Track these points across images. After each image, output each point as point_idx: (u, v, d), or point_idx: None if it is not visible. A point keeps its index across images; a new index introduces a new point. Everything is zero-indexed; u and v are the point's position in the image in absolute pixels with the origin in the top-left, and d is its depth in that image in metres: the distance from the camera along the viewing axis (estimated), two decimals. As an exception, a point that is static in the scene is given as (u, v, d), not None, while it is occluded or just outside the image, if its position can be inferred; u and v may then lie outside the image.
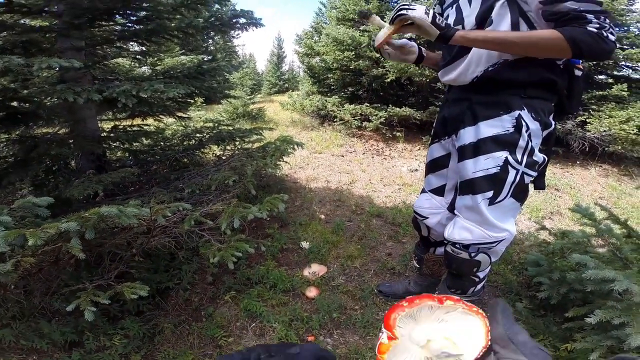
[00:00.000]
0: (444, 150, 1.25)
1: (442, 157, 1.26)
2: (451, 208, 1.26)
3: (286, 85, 14.97)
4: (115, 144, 2.21)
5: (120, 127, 2.28)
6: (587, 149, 3.81)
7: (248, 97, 5.98)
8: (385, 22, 1.03)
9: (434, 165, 1.30)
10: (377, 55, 4.26)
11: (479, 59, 1.00)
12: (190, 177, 1.76)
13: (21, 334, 1.32)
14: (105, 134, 2.12)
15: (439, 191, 1.32)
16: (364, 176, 3.44)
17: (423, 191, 1.40)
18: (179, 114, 2.62)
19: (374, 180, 3.35)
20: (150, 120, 2.69)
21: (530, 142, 1.01)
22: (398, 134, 4.52)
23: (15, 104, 1.74)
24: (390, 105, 4.38)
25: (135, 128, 2.36)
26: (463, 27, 1.00)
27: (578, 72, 1.02)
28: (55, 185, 1.66)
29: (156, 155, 2.29)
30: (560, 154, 4.03)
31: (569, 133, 3.88)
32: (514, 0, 0.91)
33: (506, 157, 1.01)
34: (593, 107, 3.83)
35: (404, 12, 0.92)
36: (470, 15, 0.99)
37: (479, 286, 1.27)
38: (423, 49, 1.25)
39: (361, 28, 4.67)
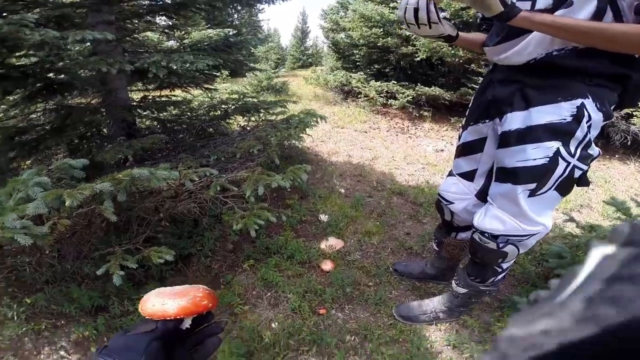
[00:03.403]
0: (479, 134, 1.14)
1: (477, 141, 1.15)
2: (480, 195, 1.20)
3: (309, 60, 14.79)
4: (145, 113, 2.28)
5: (150, 97, 2.35)
6: (630, 142, 3.54)
7: (272, 71, 5.92)
8: None
9: (467, 149, 1.20)
10: (408, 33, 4.05)
11: (542, 41, 0.87)
12: (216, 145, 1.80)
13: (52, 299, 1.42)
14: (135, 103, 2.19)
15: (469, 176, 1.23)
16: (386, 153, 3.38)
17: (450, 174, 1.32)
18: (206, 86, 2.65)
19: (397, 157, 3.29)
20: (177, 92, 2.74)
21: (588, 134, 0.90)
22: (425, 113, 4.36)
23: (51, 75, 1.81)
24: (418, 84, 4.21)
25: (163, 98, 2.42)
26: (534, 3, 0.87)
27: None
28: (89, 150, 1.75)
29: (183, 125, 2.35)
30: (599, 146, 3.78)
31: (612, 125, 3.61)
32: None
33: (558, 148, 0.90)
34: (643, 101, 3.52)
35: None
36: None
37: (499, 276, 1.22)
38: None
39: (391, 5, 4.43)
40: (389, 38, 4.29)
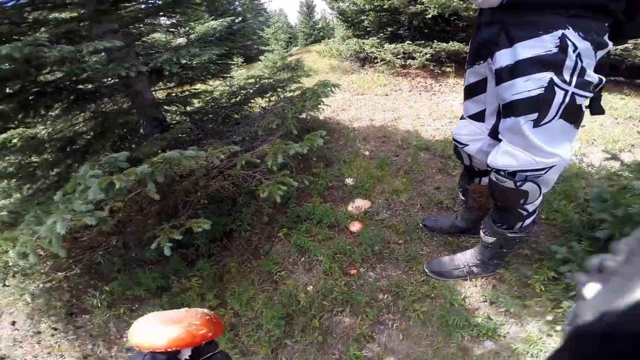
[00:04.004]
0: (479, 76, 1.16)
1: (478, 82, 1.18)
2: (492, 134, 1.19)
3: (321, 34, 14.42)
4: (172, 109, 2.45)
5: (174, 93, 2.52)
6: None
7: (285, 50, 5.89)
8: None
9: (471, 91, 1.23)
10: None
11: None
12: (240, 128, 1.91)
13: (125, 285, 1.62)
14: (161, 101, 2.35)
15: (479, 117, 1.24)
16: (410, 112, 3.31)
17: (462, 118, 1.33)
18: (223, 75, 2.76)
19: (422, 115, 3.22)
20: (198, 85, 2.88)
21: (579, 62, 0.90)
22: (448, 69, 4.17)
23: (80, 86, 1.99)
24: (435, 41, 4.01)
25: (186, 93, 2.57)
26: None
27: None
28: (130, 148, 1.94)
29: (209, 114, 2.49)
30: None
31: None
32: None
33: (551, 78, 0.92)
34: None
35: None
36: None
37: (527, 221, 1.21)
38: None
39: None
40: None
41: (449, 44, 3.89)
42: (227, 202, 1.91)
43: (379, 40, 4.68)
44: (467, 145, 1.29)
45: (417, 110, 3.34)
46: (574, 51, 0.89)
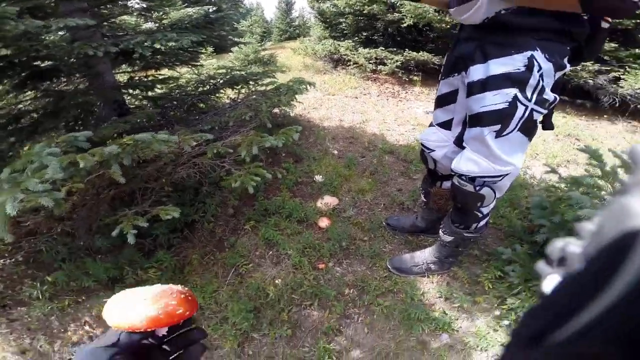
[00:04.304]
0: (451, 87, 1.26)
1: (450, 93, 1.27)
2: (457, 142, 1.30)
3: (297, 31, 14.34)
4: (135, 92, 2.31)
5: (137, 77, 2.37)
6: (618, 104, 3.62)
7: (259, 44, 5.79)
8: None
9: (442, 101, 1.32)
10: (393, 0, 4.06)
11: (491, 1, 0.98)
12: (208, 117, 1.86)
13: (71, 275, 1.49)
14: (122, 84, 2.21)
15: (446, 125, 1.34)
16: (377, 116, 3.43)
17: (431, 125, 1.43)
18: (192, 63, 2.66)
19: (388, 119, 3.35)
20: (164, 71, 2.74)
21: (541, 81, 1.02)
22: (415, 78, 4.38)
23: (37, 63, 1.82)
24: (406, 49, 4.20)
25: (150, 78, 2.44)
26: None
27: (605, 24, 0.99)
28: (85, 130, 1.80)
29: (174, 101, 2.39)
30: (588, 107, 3.85)
31: (600, 87, 3.67)
32: None
33: (515, 94, 1.03)
34: (631, 64, 3.55)
35: None
36: None
37: (482, 222, 1.33)
38: None
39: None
40: (374, 5, 4.23)
41: (419, 53, 4.08)
42: (189, 191, 1.84)
43: (353, 44, 4.80)
44: (434, 150, 1.38)
45: (384, 115, 3.47)
46: (538, 71, 1.00)
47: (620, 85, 3.58)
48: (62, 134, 1.93)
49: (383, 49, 4.39)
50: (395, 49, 4.39)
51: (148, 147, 0.94)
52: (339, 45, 4.82)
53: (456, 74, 1.21)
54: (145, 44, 1.46)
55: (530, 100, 1.03)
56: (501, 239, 1.77)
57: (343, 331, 1.36)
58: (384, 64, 4.35)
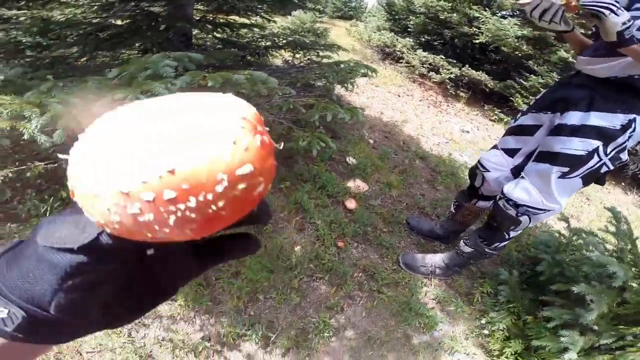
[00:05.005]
0: (537, 122, 1.32)
1: (532, 126, 1.34)
2: (515, 171, 1.39)
3: (350, 12, 14.04)
4: (202, 30, 2.35)
5: (209, 17, 2.41)
6: None
7: (318, 15, 5.73)
8: None
9: (520, 130, 1.39)
10: (476, 14, 3.95)
11: (630, 65, 1.03)
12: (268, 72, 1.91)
13: None
14: (196, 19, 2.25)
15: (511, 152, 1.42)
16: (416, 120, 3.47)
17: (494, 147, 1.50)
18: (265, 16, 2.66)
19: (425, 126, 3.39)
20: (233, 16, 2.75)
21: (626, 142, 1.09)
22: (462, 94, 4.37)
23: None
24: (467, 65, 4.16)
25: (221, 20, 2.47)
26: None
27: None
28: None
29: (233, 48, 2.42)
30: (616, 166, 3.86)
31: (635, 154, 3.68)
32: None
33: (598, 147, 1.10)
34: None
35: (606, 9, 0.90)
36: None
37: (502, 244, 1.43)
38: None
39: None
40: (454, 14, 4.16)
41: (478, 72, 4.04)
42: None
43: (412, 43, 4.74)
44: (489, 171, 1.46)
45: (422, 121, 3.50)
46: (630, 132, 1.08)
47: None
48: (134, 55, 2.01)
49: (443, 57, 4.34)
50: (454, 61, 4.35)
51: (256, 84, 1.01)
52: (397, 40, 4.77)
53: (549, 112, 1.27)
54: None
55: (607, 155, 1.12)
56: (496, 263, 1.89)
57: (345, 310, 1.45)
58: (437, 72, 4.33)
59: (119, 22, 1.94)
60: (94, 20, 1.81)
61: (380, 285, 1.56)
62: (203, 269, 0.25)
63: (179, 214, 0.16)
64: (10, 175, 1.17)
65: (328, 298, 1.47)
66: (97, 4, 1.82)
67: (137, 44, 1.88)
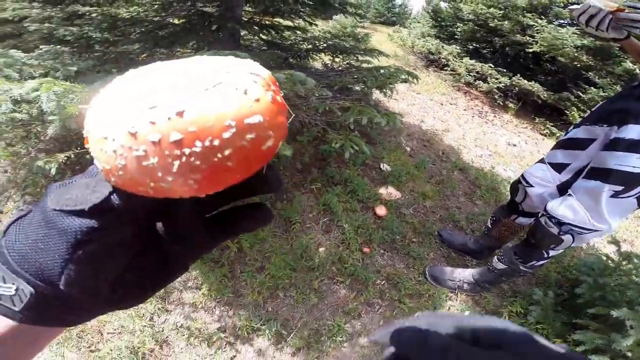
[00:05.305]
0: (591, 135, 1.22)
1: (585, 140, 1.24)
2: (561, 186, 1.28)
3: (393, 18, 13.89)
4: (252, 30, 2.46)
5: (256, 19, 2.51)
6: None
7: (359, 20, 5.74)
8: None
9: (571, 144, 1.29)
10: (531, 22, 3.76)
11: None
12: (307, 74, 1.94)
13: None
14: (245, 20, 2.36)
15: (559, 167, 1.32)
16: (458, 130, 3.33)
17: (541, 161, 1.41)
18: (308, 20, 2.73)
19: (468, 137, 3.24)
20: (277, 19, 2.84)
21: None
22: (511, 105, 4.12)
23: None
24: (517, 75, 3.93)
25: (266, 22, 2.56)
26: None
27: None
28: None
29: (276, 50, 2.49)
30: None
31: None
32: None
33: None
34: None
35: None
36: None
37: (539, 262, 1.33)
38: None
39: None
40: (506, 22, 3.98)
41: (530, 82, 3.81)
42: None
43: (459, 51, 4.59)
44: (533, 187, 1.37)
45: (465, 131, 3.35)
46: None
47: None
48: (187, 53, 2.15)
49: (492, 66, 4.15)
50: (504, 70, 4.14)
51: (295, 84, 1.03)
52: (442, 47, 4.64)
53: (605, 125, 1.17)
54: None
55: None
56: (531, 283, 1.75)
57: (362, 316, 1.42)
58: (485, 81, 4.15)
59: (175, 21, 2.08)
60: (155, 19, 1.97)
61: (402, 295, 1.52)
62: (214, 244, 0.24)
63: (184, 159, 0.16)
64: (72, 157, 1.29)
65: (346, 302, 1.46)
66: (157, 2, 1.98)
67: (190, 43, 2.00)
